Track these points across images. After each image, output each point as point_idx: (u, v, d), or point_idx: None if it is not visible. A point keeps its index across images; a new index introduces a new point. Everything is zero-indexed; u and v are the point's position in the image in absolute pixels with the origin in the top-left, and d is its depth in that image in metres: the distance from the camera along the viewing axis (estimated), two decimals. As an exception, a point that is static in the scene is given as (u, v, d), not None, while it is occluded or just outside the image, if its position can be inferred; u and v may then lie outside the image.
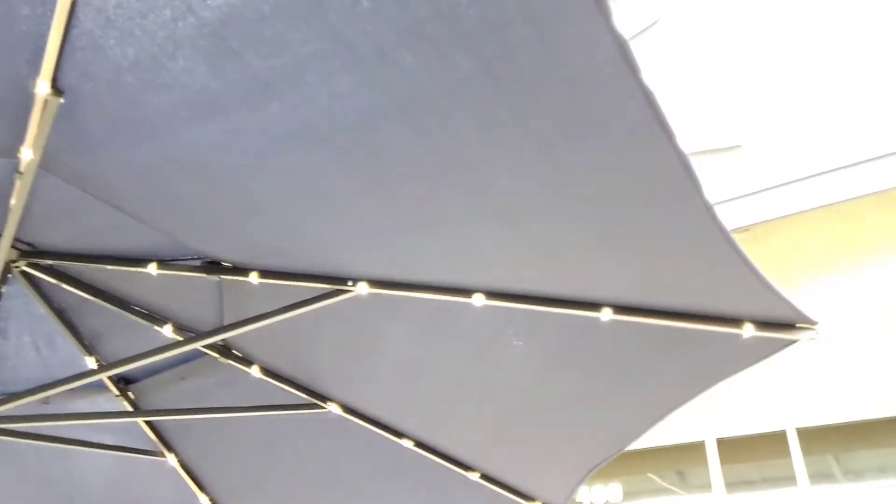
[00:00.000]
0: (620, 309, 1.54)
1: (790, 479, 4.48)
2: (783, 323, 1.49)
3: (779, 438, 4.57)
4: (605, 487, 4.93)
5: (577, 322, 1.61)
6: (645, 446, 4.99)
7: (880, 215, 3.85)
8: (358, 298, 1.62)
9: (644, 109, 1.00)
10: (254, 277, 1.58)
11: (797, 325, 1.49)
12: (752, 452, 4.72)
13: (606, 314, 1.55)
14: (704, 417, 4.60)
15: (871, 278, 3.78)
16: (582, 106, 1.03)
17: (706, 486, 4.72)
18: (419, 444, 2.07)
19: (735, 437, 4.71)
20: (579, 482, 2.14)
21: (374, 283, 1.57)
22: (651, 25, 4.74)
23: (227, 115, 1.11)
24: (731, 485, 4.65)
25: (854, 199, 3.20)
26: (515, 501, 2.22)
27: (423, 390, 1.95)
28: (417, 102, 1.07)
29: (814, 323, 1.47)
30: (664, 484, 4.93)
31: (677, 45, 4.60)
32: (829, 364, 3.87)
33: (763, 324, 1.49)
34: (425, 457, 2.13)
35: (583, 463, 2.07)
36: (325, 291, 1.61)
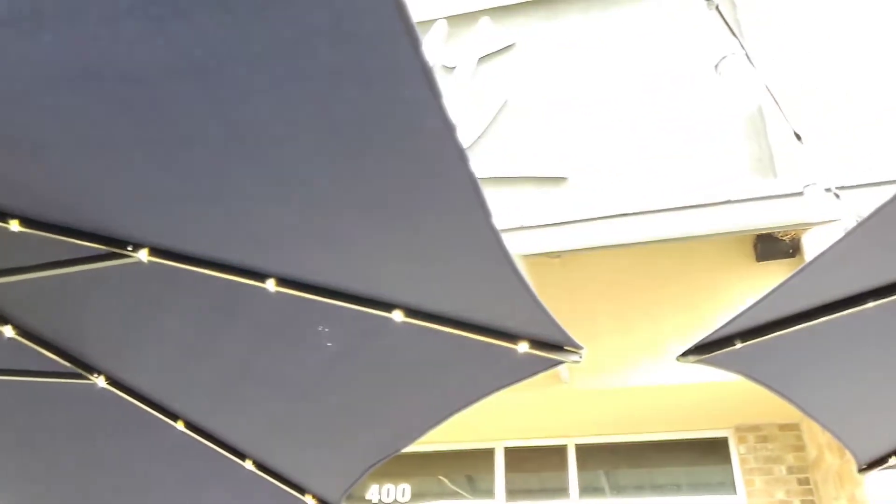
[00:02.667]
0: (411, 312, 1.56)
1: (564, 491, 4.86)
2: (553, 344, 1.60)
3: (560, 452, 4.95)
4: (395, 487, 5.02)
5: (369, 320, 1.61)
6: (439, 449, 5.17)
7: (666, 259, 4.30)
8: (137, 266, 1.50)
9: (440, 125, 1.02)
10: (14, 225, 1.41)
11: (565, 348, 1.61)
12: (535, 463, 5.05)
13: (398, 316, 1.57)
14: (496, 426, 4.85)
15: (651, 315, 4.21)
16: (378, 108, 1.03)
17: (492, 493, 4.99)
18: (191, 427, 1.96)
19: (522, 447, 5.03)
20: (356, 480, 2.15)
21: (157, 251, 1.46)
22: (506, 48, 4.94)
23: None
24: (513, 492, 4.94)
25: (648, 241, 3.53)
26: (289, 493, 2.19)
27: (202, 372, 1.86)
28: (211, 67, 1.01)
29: (579, 347, 1.60)
30: (453, 487, 5.13)
31: (527, 72, 4.83)
32: (607, 388, 4.24)
33: (536, 343, 1.59)
34: (198, 441, 2.03)
35: (361, 461, 2.08)
36: (100, 253, 1.48)
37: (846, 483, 3.85)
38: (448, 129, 1.01)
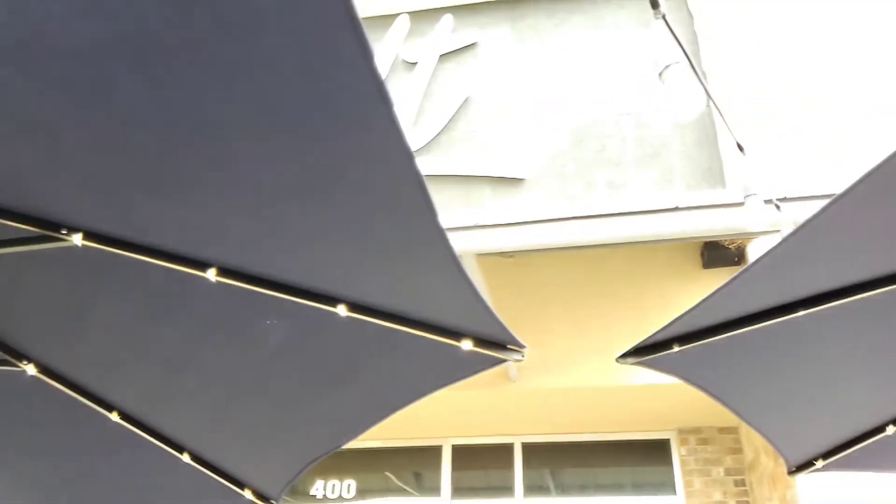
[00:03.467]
0: (355, 307, 1.55)
1: (509, 490, 4.91)
2: (497, 342, 1.61)
3: (506, 450, 4.99)
4: (341, 483, 4.99)
5: (313, 314, 1.60)
6: (386, 445, 5.16)
7: (617, 264, 4.38)
8: (72, 250, 1.45)
9: (385, 119, 1.01)
10: (-61, 203, 1.35)
11: (508, 346, 1.62)
12: (482, 461, 5.09)
13: (342, 310, 1.56)
14: (444, 424, 4.87)
15: (601, 317, 4.28)
16: (322, 99, 1.02)
17: (438, 490, 5.00)
18: (127, 418, 1.91)
19: (469, 444, 5.06)
20: (296, 475, 2.12)
21: (92, 236, 1.42)
22: (468, 46, 4.95)
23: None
24: (459, 490, 4.97)
25: (598, 245, 3.59)
26: (227, 487, 2.15)
27: (139, 362, 1.81)
28: (152, 49, 0.98)
29: (522, 346, 1.61)
30: (399, 483, 5.12)
31: (489, 71, 4.85)
32: (555, 387, 4.30)
33: (480, 340, 1.60)
34: (134, 432, 1.98)
35: (302, 456, 2.06)
36: (32, 235, 1.43)
37: (779, 485, 3.99)
38: (393, 123, 1.01)
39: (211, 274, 1.50)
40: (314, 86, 1.02)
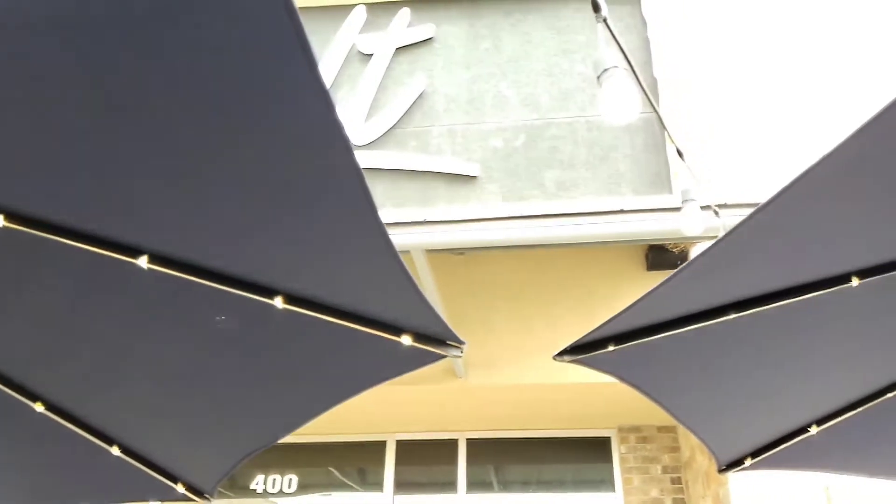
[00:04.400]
0: (292, 299, 1.53)
1: (452, 485, 4.93)
2: (437, 338, 1.61)
3: (451, 446, 5.01)
4: (282, 477, 4.93)
5: (250, 306, 1.56)
6: (330, 440, 5.11)
7: (565, 265, 4.44)
8: (-6, 233, 1.39)
9: (323, 110, 0.99)
10: None
11: (448, 343, 1.62)
12: (426, 457, 5.10)
13: (279, 302, 1.53)
14: (390, 419, 4.86)
15: (548, 316, 4.34)
16: (260, 87, 1.00)
17: (381, 485, 4.99)
18: (52, 409, 1.84)
19: (414, 440, 5.06)
20: (230, 469, 2.08)
21: (15, 218, 1.36)
22: (425, 41, 4.94)
23: None
24: (402, 485, 4.96)
25: (546, 245, 3.63)
26: (158, 481, 2.10)
27: (67, 351, 1.74)
28: (84, 26, 0.94)
29: (461, 342, 1.62)
30: (342, 478, 5.09)
31: (444, 67, 4.84)
32: (500, 384, 4.33)
33: (419, 336, 1.60)
34: (60, 424, 1.91)
35: (237, 450, 2.02)
36: (-51, 216, 1.36)
37: (712, 483, 4.11)
38: (331, 115, 0.99)
39: (143, 261, 1.46)
40: (253, 76, 1.00)
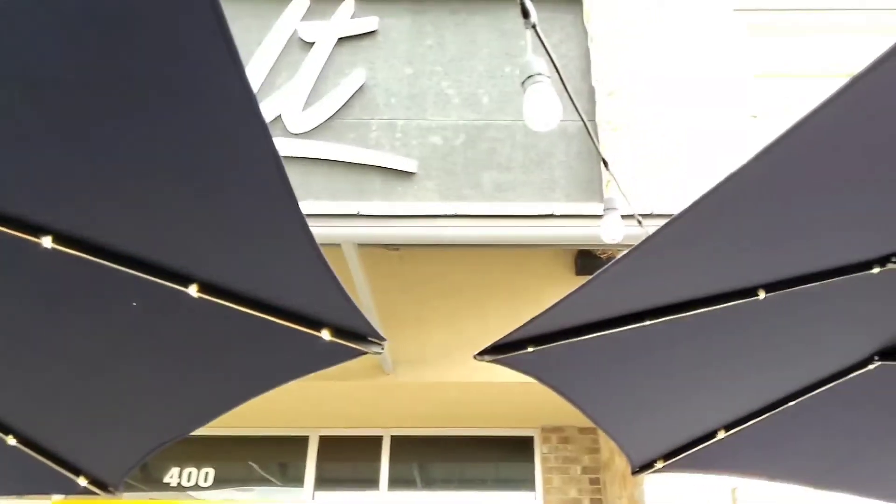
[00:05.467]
0: (207, 287, 1.48)
1: (375, 482, 4.90)
2: (357, 334, 1.59)
3: (375, 442, 4.99)
4: (198, 471, 4.79)
5: (163, 293, 1.50)
6: (251, 434, 5.00)
7: (498, 266, 4.48)
8: None
9: (239, 92, 0.96)
10: None
11: (369, 339, 1.60)
12: (349, 453, 5.05)
13: (192, 290, 1.48)
14: (314, 414, 4.79)
15: (478, 316, 4.37)
16: (173, 67, 0.96)
17: (302, 480, 4.91)
18: (-59, 396, 1.73)
19: (338, 436, 5.01)
20: (137, 463, 2.00)
21: None
22: (368, 33, 4.88)
23: None
24: (323, 481, 4.90)
25: (477, 244, 3.65)
26: (59, 474, 1.99)
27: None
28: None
29: (382, 339, 1.60)
30: (262, 473, 4.98)
31: (387, 61, 4.80)
32: (428, 381, 4.34)
33: (340, 331, 1.57)
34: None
35: (145, 443, 1.94)
36: None
37: (628, 484, 4.24)
38: (248, 98, 0.96)
39: (47, 241, 1.38)
40: (170, 58, 0.96)
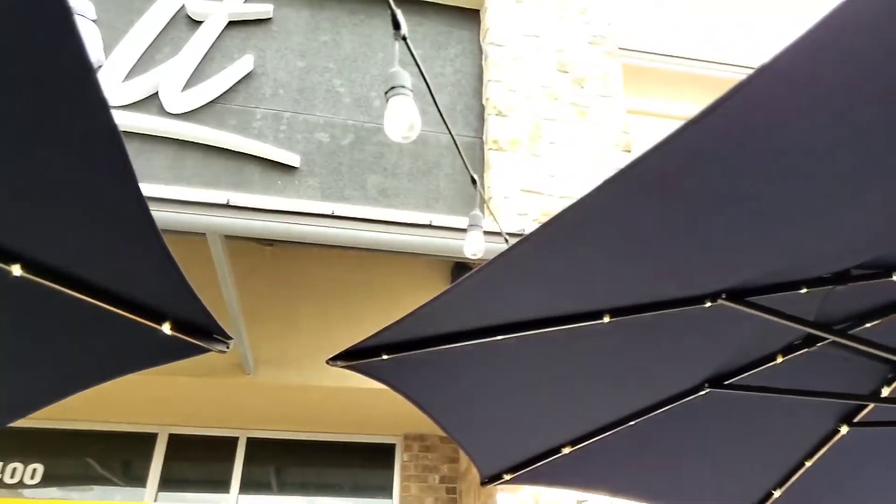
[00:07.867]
0: (34, 268, 1.35)
1: (226, 484, 4.69)
2: (201, 330, 1.51)
3: (230, 444, 4.78)
4: (24, 467, 4.37)
5: None
6: (92, 429, 4.64)
7: (376, 271, 4.45)
8: None
9: (75, 64, 0.88)
10: None
11: (214, 336, 1.52)
12: (201, 453, 4.81)
13: (16, 270, 1.34)
14: (165, 411, 4.52)
15: (351, 319, 4.31)
16: (12, 39, 0.86)
17: (145, 480, 4.61)
18: None
19: (189, 435, 4.75)
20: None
21: None
22: (262, 20, 4.72)
23: None
24: (169, 482, 4.63)
25: (362, 248, 3.60)
26: None
27: None
28: None
29: (228, 338, 1.53)
30: (101, 471, 4.63)
31: (280, 50, 4.66)
32: (290, 383, 4.22)
33: (182, 326, 1.48)
34: None
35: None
36: None
37: (482, 495, 4.32)
38: (84, 64, 0.88)
39: None
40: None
